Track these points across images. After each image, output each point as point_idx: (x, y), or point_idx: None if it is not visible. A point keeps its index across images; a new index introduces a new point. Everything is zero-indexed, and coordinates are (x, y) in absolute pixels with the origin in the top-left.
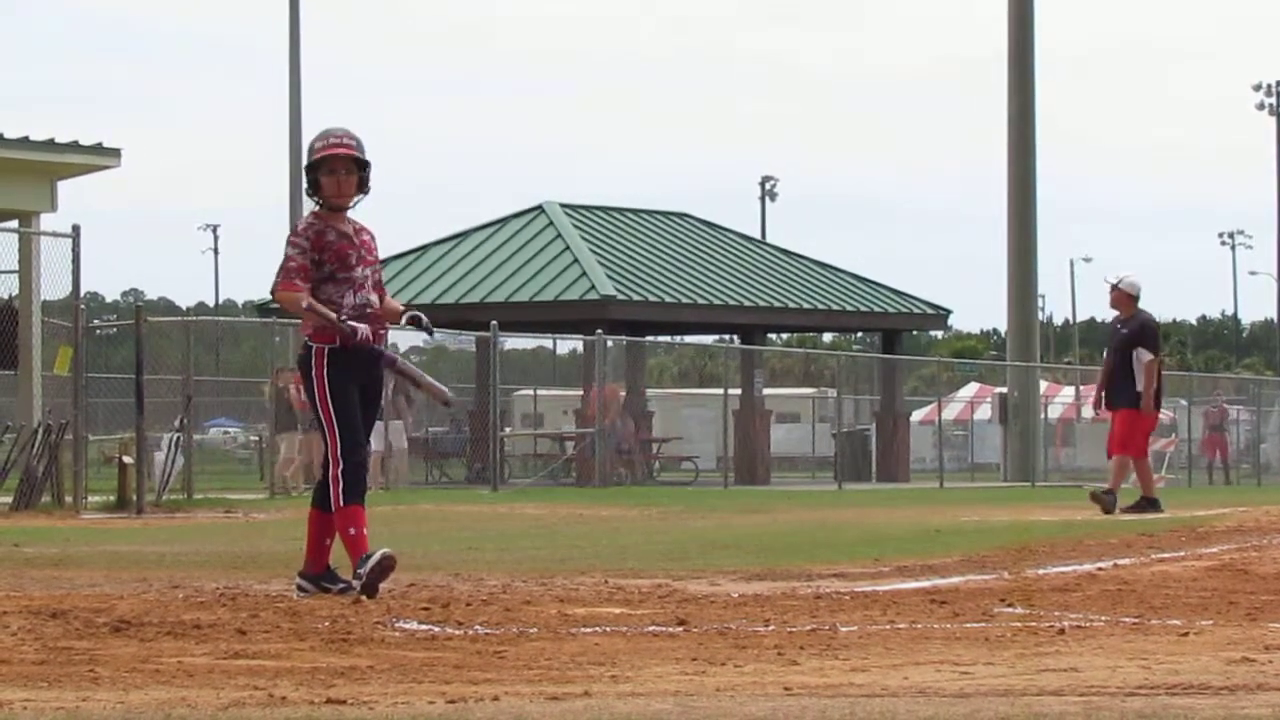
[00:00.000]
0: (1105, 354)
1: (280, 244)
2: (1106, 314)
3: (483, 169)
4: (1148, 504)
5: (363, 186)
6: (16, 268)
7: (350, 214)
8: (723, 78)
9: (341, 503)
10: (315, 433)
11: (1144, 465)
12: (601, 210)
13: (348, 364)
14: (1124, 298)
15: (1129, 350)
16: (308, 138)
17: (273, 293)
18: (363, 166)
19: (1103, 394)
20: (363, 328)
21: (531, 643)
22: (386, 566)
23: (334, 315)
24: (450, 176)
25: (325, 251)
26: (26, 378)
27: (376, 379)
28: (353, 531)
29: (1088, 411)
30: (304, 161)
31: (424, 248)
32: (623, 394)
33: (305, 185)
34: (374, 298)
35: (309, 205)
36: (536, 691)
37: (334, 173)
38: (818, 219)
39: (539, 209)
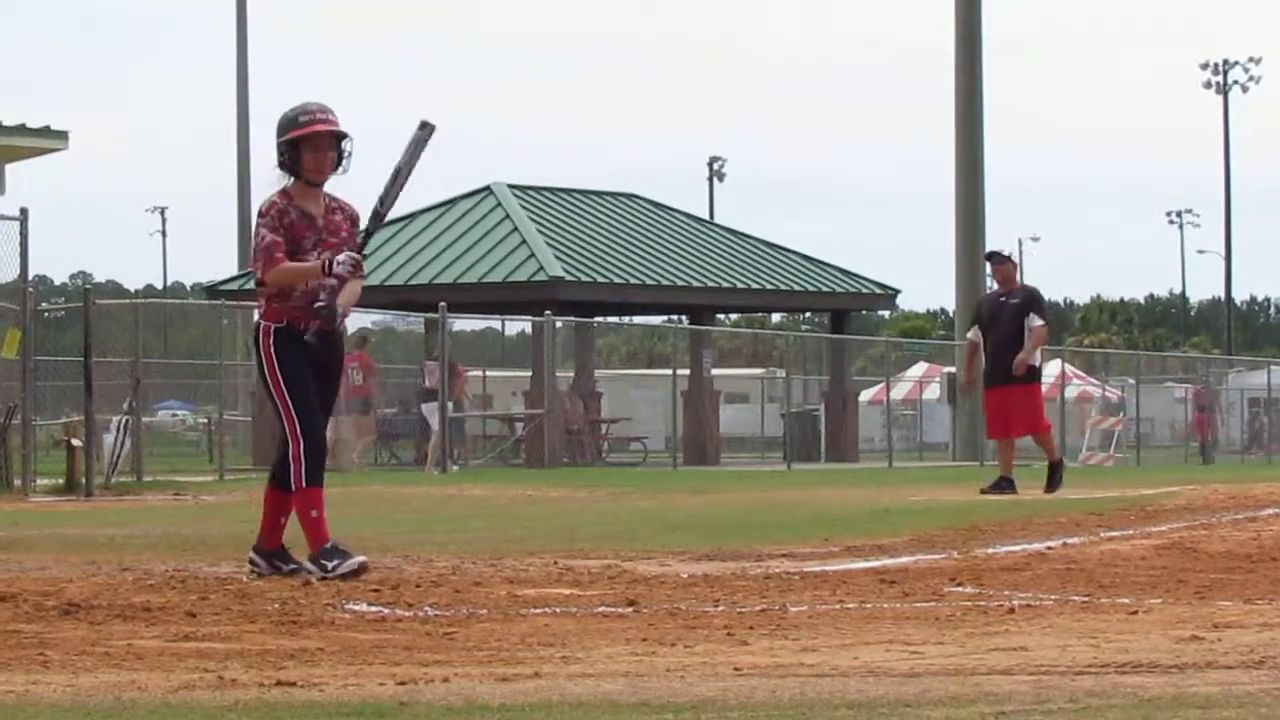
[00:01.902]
0: (976, 330)
1: (228, 226)
2: (1054, 294)
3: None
4: (1005, 484)
5: (338, 163)
6: None
7: (329, 190)
8: (671, 59)
9: (303, 483)
10: (364, 414)
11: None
12: (550, 191)
13: (299, 343)
14: (1014, 270)
15: (1021, 320)
16: (255, 120)
17: (260, 281)
18: (339, 140)
19: (980, 370)
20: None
21: (481, 624)
22: (360, 575)
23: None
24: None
25: (282, 232)
26: None
27: (334, 359)
28: (314, 514)
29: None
30: (280, 134)
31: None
32: (468, 373)
33: (278, 159)
34: (330, 282)
35: (259, 186)
36: (487, 673)
37: (318, 149)
38: (765, 199)
39: (487, 190)
